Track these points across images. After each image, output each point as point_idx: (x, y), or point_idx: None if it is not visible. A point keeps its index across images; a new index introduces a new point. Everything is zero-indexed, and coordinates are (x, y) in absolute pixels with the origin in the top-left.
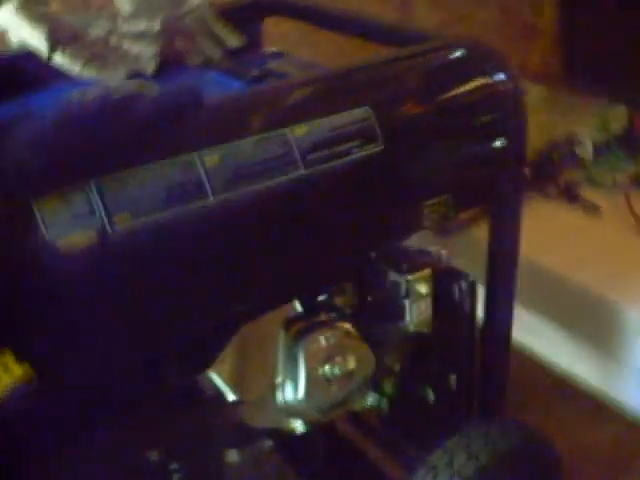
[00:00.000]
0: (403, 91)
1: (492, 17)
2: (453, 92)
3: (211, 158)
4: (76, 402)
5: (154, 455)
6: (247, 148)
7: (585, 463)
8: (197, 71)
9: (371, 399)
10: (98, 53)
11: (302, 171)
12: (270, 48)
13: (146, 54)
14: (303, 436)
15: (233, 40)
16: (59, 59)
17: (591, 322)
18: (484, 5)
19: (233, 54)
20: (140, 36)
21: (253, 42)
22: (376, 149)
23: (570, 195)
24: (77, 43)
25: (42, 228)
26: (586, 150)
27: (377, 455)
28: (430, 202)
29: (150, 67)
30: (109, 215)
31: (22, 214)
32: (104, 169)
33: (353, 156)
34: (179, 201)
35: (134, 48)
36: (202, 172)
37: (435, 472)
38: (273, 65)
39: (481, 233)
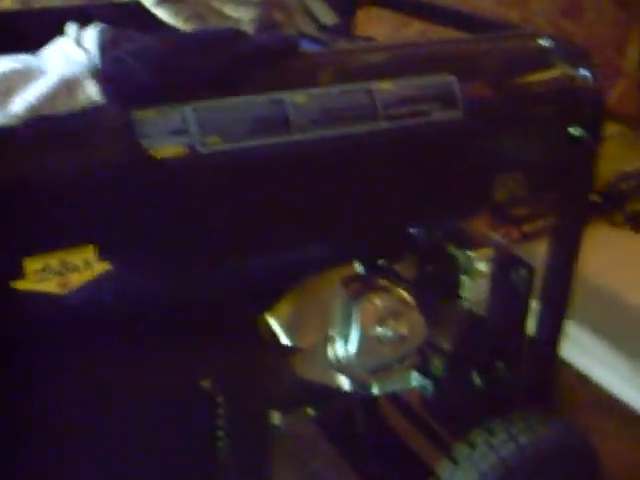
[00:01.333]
0: (487, 68)
1: None
2: (535, 76)
3: (299, 98)
4: (139, 315)
5: (205, 383)
6: (333, 94)
7: None
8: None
9: (416, 380)
10: (200, 12)
11: (383, 123)
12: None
13: (245, 18)
14: (344, 412)
15: (327, 18)
16: (162, 13)
17: None
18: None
19: (326, 31)
20: (241, 3)
21: (345, 29)
22: (456, 114)
23: (636, 224)
24: (181, 1)
25: (138, 137)
26: None
27: (416, 439)
28: (501, 176)
29: (249, 30)
30: (202, 135)
31: (122, 122)
32: (202, 94)
33: (433, 118)
34: (266, 133)
35: (234, 13)
36: (290, 109)
37: (472, 448)
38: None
39: (542, 249)
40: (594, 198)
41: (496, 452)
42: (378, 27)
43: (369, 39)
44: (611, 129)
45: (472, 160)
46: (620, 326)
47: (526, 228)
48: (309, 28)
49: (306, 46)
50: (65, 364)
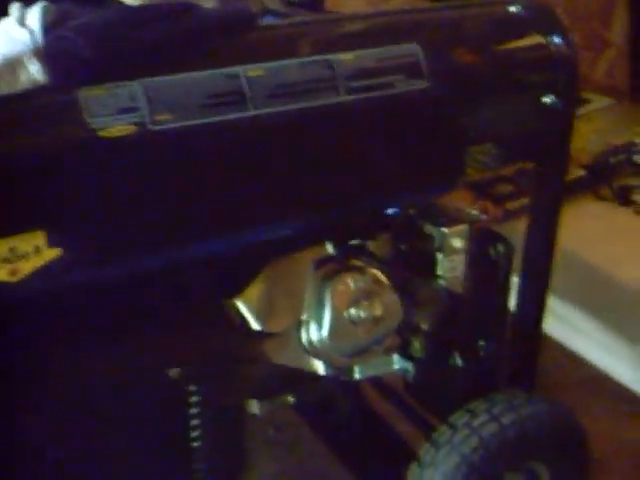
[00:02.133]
0: (454, 36)
1: None
2: (505, 44)
3: (255, 72)
4: (100, 301)
5: (173, 373)
6: (291, 67)
7: (617, 461)
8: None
9: (397, 363)
10: None
11: (343, 97)
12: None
13: None
14: (325, 398)
15: None
16: None
17: (631, 317)
18: None
19: (293, 7)
20: None
21: (316, 5)
22: (421, 86)
23: (623, 198)
24: None
25: (85, 116)
26: None
27: (400, 423)
28: (473, 149)
29: (209, 3)
30: (152, 112)
31: (67, 102)
32: (151, 69)
33: (397, 90)
34: (220, 109)
35: None
36: (245, 84)
37: (453, 431)
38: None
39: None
40: (580, 172)
41: (477, 434)
42: (354, 3)
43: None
44: (599, 102)
45: (441, 133)
46: (607, 301)
47: (509, 206)
48: (275, 3)
49: (268, 21)
50: (25, 356)
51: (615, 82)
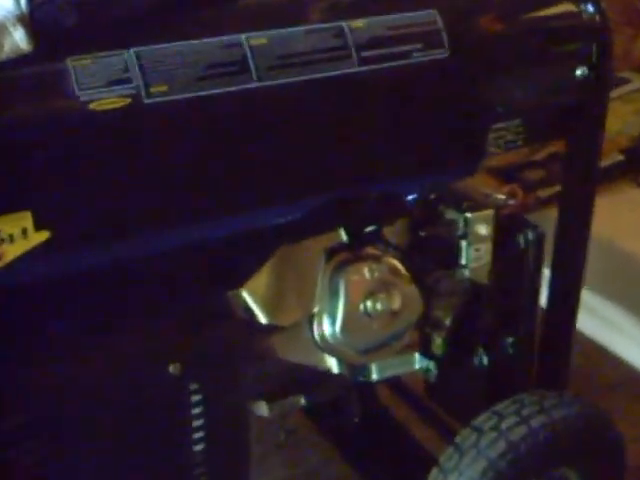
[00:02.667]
0: (477, 1)
1: None
2: (533, 10)
3: (259, 40)
4: (93, 289)
5: (173, 368)
6: (299, 35)
7: None
8: None
9: (418, 362)
10: None
11: (356, 67)
12: None
13: None
14: (337, 399)
15: None
16: None
17: None
18: None
19: None
20: None
21: None
22: (440, 56)
23: None
24: None
25: (75, 87)
26: None
27: (418, 427)
28: (498, 126)
29: None
30: (146, 84)
31: (55, 72)
32: (145, 38)
33: (414, 60)
34: (220, 80)
35: None
36: (248, 54)
37: (478, 434)
38: None
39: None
40: (618, 157)
41: (505, 437)
42: None
43: None
44: (639, 82)
45: (463, 108)
46: None
47: (540, 193)
48: None
49: None
50: (11, 345)
51: None
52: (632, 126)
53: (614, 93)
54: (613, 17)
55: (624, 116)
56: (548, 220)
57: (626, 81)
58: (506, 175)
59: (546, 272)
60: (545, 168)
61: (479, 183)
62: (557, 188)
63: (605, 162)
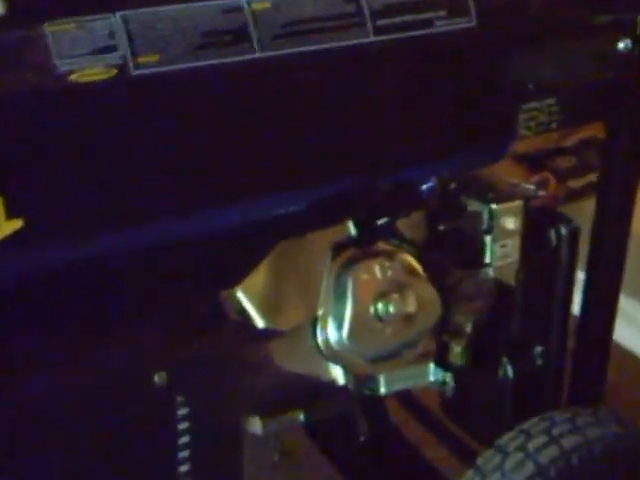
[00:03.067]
0: None
1: None
2: None
3: (262, 5)
4: (70, 288)
5: (158, 377)
6: (306, 0)
7: None
8: None
9: (434, 374)
10: None
11: (371, 37)
12: None
13: None
14: (341, 416)
15: None
16: None
17: None
18: None
19: None
20: None
21: None
22: (466, 25)
23: None
24: None
25: (55, 57)
26: None
27: (432, 448)
28: (529, 105)
29: None
30: (134, 53)
31: (31, 39)
32: (135, 1)
33: (436, 29)
34: (218, 51)
35: None
36: (249, 20)
37: (503, 455)
38: None
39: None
40: None
41: (533, 459)
42: None
43: None
44: None
45: (490, 84)
46: None
47: (572, 183)
48: None
49: None
50: None
51: None
52: None
53: None
54: None
55: None
56: (580, 214)
57: None
58: (532, 163)
59: (579, 275)
60: (576, 155)
61: (504, 171)
62: (590, 178)
63: None
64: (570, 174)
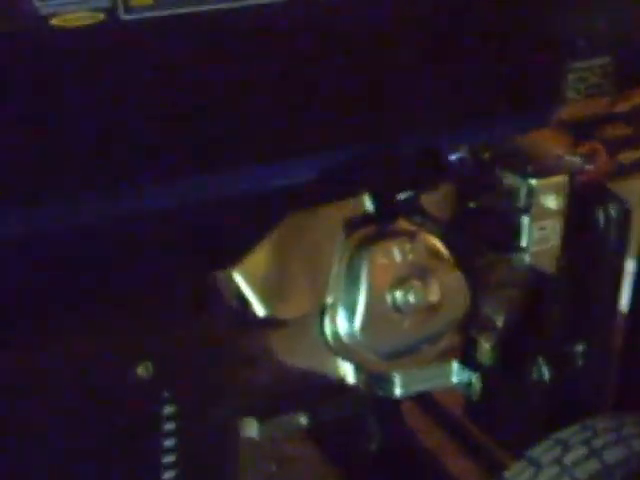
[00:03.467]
0: None
1: None
2: None
3: None
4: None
5: (142, 369)
6: None
7: None
8: None
9: (457, 374)
10: None
11: None
12: None
13: None
14: (350, 419)
15: None
16: None
17: None
18: None
19: None
20: None
21: None
22: None
23: None
24: None
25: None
26: None
27: (457, 460)
28: (579, 64)
29: None
30: None
31: None
32: None
33: None
34: None
35: None
36: None
37: (536, 469)
38: None
39: None
40: None
41: (570, 474)
42: None
43: None
44: None
45: (534, 39)
46: None
47: (623, 157)
48: None
49: None
50: None
51: None
52: None
53: None
54: None
55: None
56: (633, 193)
57: None
58: (579, 131)
59: (629, 265)
60: (630, 124)
61: (547, 140)
62: None
63: None
64: (622, 145)
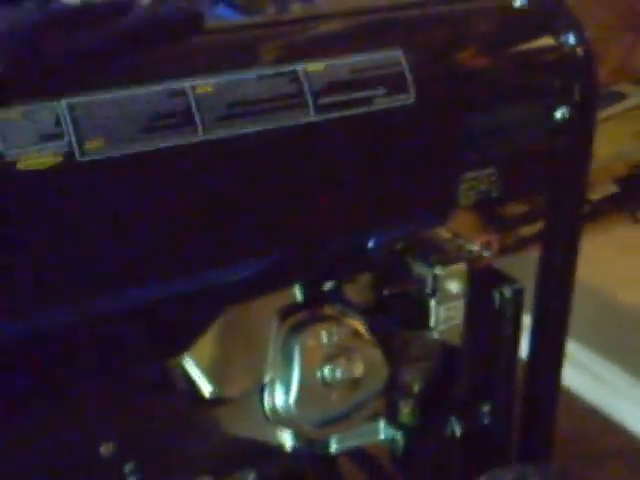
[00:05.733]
0: (444, 37)
1: None
2: (508, 46)
3: (205, 88)
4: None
5: (106, 449)
6: (249, 82)
7: None
8: (206, 3)
9: (383, 432)
10: None
11: (312, 117)
12: None
13: None
14: (292, 473)
15: None
16: None
17: None
18: None
19: None
20: None
21: None
22: (406, 101)
23: None
24: None
25: (1, 145)
26: None
27: None
28: (470, 175)
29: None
30: (80, 139)
31: None
32: (79, 86)
33: (376, 106)
34: (163, 133)
35: None
36: (193, 103)
37: None
38: (297, 8)
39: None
40: (612, 188)
41: None
42: None
43: (307, 0)
44: (636, 97)
45: (431, 156)
46: None
47: (523, 231)
48: None
49: (222, 15)
50: None
51: None
52: (630, 151)
53: (608, 111)
54: (611, 22)
55: (619, 139)
56: (530, 261)
57: (622, 96)
58: (484, 210)
59: (527, 320)
60: (527, 202)
61: (452, 224)
62: (540, 225)
63: (597, 194)
64: (521, 221)
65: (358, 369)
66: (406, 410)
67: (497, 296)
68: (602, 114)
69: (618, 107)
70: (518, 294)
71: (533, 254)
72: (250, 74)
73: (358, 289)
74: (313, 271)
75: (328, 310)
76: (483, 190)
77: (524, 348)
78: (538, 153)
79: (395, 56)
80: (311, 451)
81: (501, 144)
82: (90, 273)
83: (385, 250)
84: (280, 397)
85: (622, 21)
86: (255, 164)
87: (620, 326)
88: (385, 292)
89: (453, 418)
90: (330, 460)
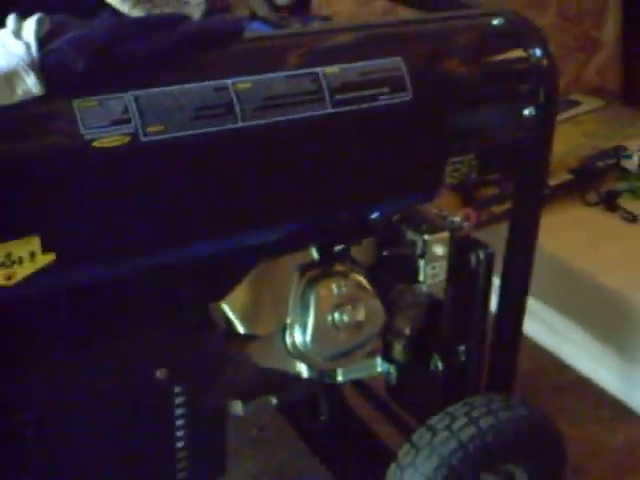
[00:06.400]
0: (435, 48)
1: (551, 23)
2: (487, 56)
3: (243, 85)
4: (88, 303)
5: (161, 373)
6: (279, 80)
7: (595, 465)
8: (245, 19)
9: (380, 366)
10: None
11: (329, 109)
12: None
13: (193, 2)
14: (307, 399)
15: None
16: None
17: (616, 324)
18: (544, 10)
19: (280, 11)
20: None
21: (303, 7)
22: (404, 99)
23: (610, 203)
24: None
25: (80, 127)
26: (632, 162)
27: (381, 426)
28: (454, 159)
29: (197, 13)
30: (144, 124)
31: (63, 113)
32: (144, 81)
33: (381, 102)
34: (209, 121)
35: None
36: (233, 97)
37: (433, 433)
38: (317, 23)
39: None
40: (567, 176)
41: (456, 436)
42: (340, 3)
43: (325, 18)
44: (589, 104)
45: (424, 143)
46: (593, 308)
47: (495, 209)
48: (262, 8)
49: (257, 29)
50: (14, 356)
51: (606, 84)
52: (582, 147)
53: (564, 115)
54: (567, 43)
55: (573, 138)
56: (501, 234)
57: (576, 104)
58: (463, 191)
59: (496, 281)
60: (498, 186)
61: (439, 199)
62: (509, 205)
63: (554, 181)
64: (492, 202)
65: (361, 314)
66: (399, 348)
67: (473, 258)
68: (560, 117)
69: (572, 112)
70: (490, 257)
71: (503, 228)
72: (279, 74)
73: (362, 251)
74: (327, 236)
75: (338, 267)
76: (464, 172)
77: (494, 302)
78: (509, 143)
79: (396, 62)
80: (323, 380)
81: (479, 135)
82: (149, 230)
83: (384, 220)
84: (298, 336)
85: (577, 43)
86: (283, 147)
87: (571, 285)
88: (384, 253)
89: (436, 356)
90: (338, 390)
